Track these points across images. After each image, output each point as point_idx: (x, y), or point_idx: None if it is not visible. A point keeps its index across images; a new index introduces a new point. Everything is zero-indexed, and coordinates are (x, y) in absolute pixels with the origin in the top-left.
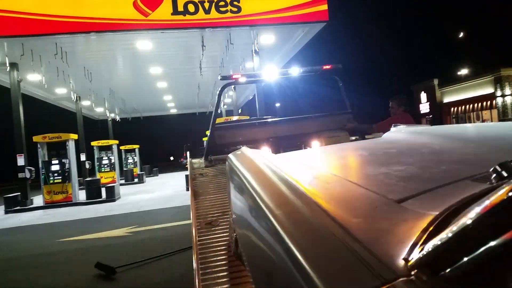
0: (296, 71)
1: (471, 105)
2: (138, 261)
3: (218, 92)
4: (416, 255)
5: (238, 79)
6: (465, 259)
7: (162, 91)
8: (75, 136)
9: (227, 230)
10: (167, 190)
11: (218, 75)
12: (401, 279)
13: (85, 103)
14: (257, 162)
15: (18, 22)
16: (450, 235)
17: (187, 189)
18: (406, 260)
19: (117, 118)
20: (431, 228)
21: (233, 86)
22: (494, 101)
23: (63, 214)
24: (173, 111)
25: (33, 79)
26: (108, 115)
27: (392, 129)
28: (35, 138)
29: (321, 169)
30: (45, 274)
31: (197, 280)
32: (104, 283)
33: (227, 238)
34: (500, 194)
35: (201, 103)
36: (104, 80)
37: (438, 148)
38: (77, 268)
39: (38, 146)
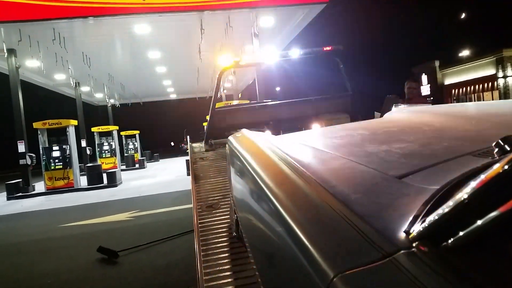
0: (296, 53)
1: (472, 87)
2: (140, 244)
3: (217, 75)
4: (417, 227)
5: (238, 62)
6: (466, 230)
7: (162, 76)
8: (75, 122)
9: (228, 212)
10: (168, 175)
11: (218, 57)
12: (402, 251)
13: (85, 89)
14: (257, 142)
15: (14, 7)
16: (451, 207)
17: (188, 174)
18: (407, 232)
19: (117, 104)
20: (432, 201)
21: (232, 70)
22: (495, 83)
23: (65, 200)
24: (173, 96)
25: (31, 65)
26: (107, 101)
27: (394, 109)
28: (35, 125)
29: (320, 149)
30: (48, 259)
31: (198, 262)
32: (107, 267)
33: (228, 220)
34: (500, 165)
35: (201, 88)
36: (103, 65)
37: (440, 126)
38: (79, 252)
39: (39, 132)
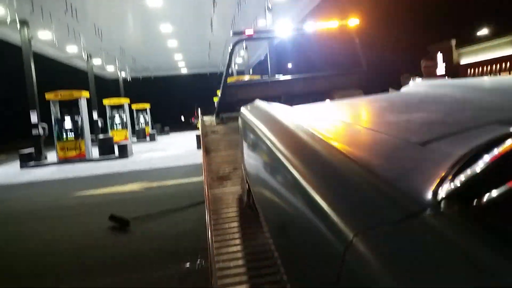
0: (310, 27)
1: (489, 67)
2: (151, 214)
3: (230, 49)
4: (445, 187)
5: (251, 35)
6: (499, 189)
7: (173, 50)
8: (87, 94)
9: (238, 184)
10: (178, 148)
11: (230, 31)
12: (429, 210)
13: (96, 62)
14: (271, 111)
15: None
16: (483, 166)
17: (198, 148)
18: (434, 192)
19: (128, 77)
20: (462, 163)
21: (244, 45)
22: None
23: (77, 170)
24: (184, 71)
25: (44, 37)
26: (119, 74)
27: (411, 83)
28: (48, 96)
29: (338, 119)
30: (62, 225)
31: (209, 231)
32: (118, 234)
33: (239, 192)
34: None
35: (212, 63)
36: (114, 38)
37: (461, 97)
38: (92, 220)
39: (51, 103)
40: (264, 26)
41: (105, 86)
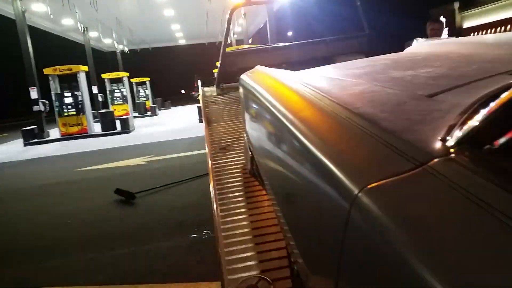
0: None
1: (492, 30)
2: (156, 187)
3: (228, 15)
4: (454, 135)
5: (249, 0)
6: (509, 132)
7: (170, 20)
8: (85, 68)
9: (241, 154)
10: (180, 122)
11: None
12: (438, 158)
13: (93, 34)
14: (271, 74)
15: None
16: (491, 111)
17: (200, 121)
18: (443, 140)
19: (126, 49)
20: (472, 110)
21: (243, 12)
22: None
23: (79, 146)
24: (182, 41)
25: (38, 10)
26: (116, 47)
27: (414, 43)
28: (46, 71)
29: (343, 78)
30: (67, 201)
31: (214, 202)
32: (124, 207)
33: (242, 161)
34: None
35: (210, 33)
36: (110, 9)
37: (467, 52)
38: (97, 194)
39: (50, 79)
40: None
41: (103, 60)
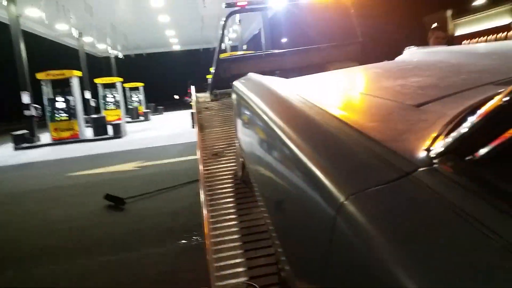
0: None
1: (484, 37)
2: (146, 192)
3: (223, 22)
4: (438, 145)
5: (243, 6)
6: (493, 143)
7: (165, 26)
8: (78, 73)
9: (233, 160)
10: (172, 128)
11: (223, 4)
12: (422, 168)
13: (87, 39)
14: (263, 82)
15: None
16: (477, 120)
17: (193, 127)
18: (428, 150)
19: (120, 55)
20: (455, 121)
21: (238, 19)
22: (509, 33)
23: (71, 151)
24: (177, 47)
25: (32, 15)
26: (110, 52)
27: (406, 51)
28: (39, 76)
29: (333, 87)
30: (57, 206)
31: (205, 208)
32: (114, 213)
33: (233, 167)
34: None
35: (205, 38)
36: (105, 14)
37: (456, 62)
38: (87, 200)
39: (42, 83)
40: None
41: (97, 65)
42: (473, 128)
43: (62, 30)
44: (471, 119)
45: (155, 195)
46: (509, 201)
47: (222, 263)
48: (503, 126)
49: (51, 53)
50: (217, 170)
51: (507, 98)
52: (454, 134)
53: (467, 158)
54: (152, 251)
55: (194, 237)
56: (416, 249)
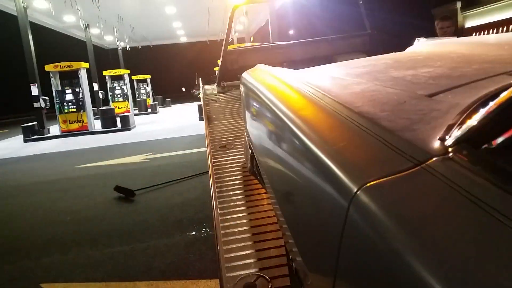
0: None
1: (494, 30)
2: (156, 184)
3: (230, 13)
4: (453, 134)
5: None
6: (508, 132)
7: (171, 17)
8: (86, 65)
9: (241, 152)
10: (180, 120)
11: None
12: (436, 157)
13: (94, 31)
14: (273, 72)
15: None
16: (489, 111)
17: (200, 119)
18: (442, 139)
19: (127, 46)
20: (471, 109)
21: (245, 10)
22: None
23: (80, 142)
24: (183, 39)
25: (40, 6)
26: (117, 44)
27: (416, 43)
28: (47, 67)
29: (343, 77)
30: (67, 197)
31: (214, 200)
32: (124, 204)
33: (242, 159)
34: None
35: (212, 30)
36: (112, 6)
37: (469, 52)
38: (97, 191)
39: (51, 75)
40: None
41: (105, 57)
42: (487, 117)
43: (69, 21)
44: (485, 109)
45: (164, 187)
46: None
47: (232, 255)
48: None
49: (59, 45)
50: (226, 162)
51: None
52: (468, 123)
53: (482, 147)
54: (161, 242)
55: (203, 229)
56: (431, 239)
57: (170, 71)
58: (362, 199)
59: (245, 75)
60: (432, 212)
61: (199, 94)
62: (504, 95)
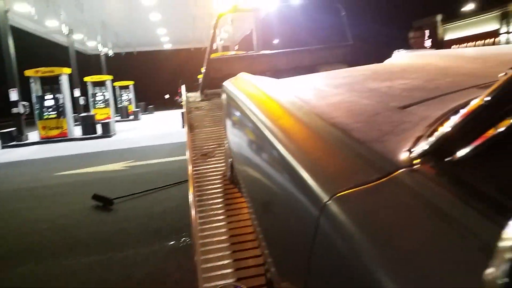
0: None
1: (473, 43)
2: (135, 193)
3: (214, 22)
4: (420, 146)
5: (236, 7)
6: (472, 143)
7: (156, 24)
8: (68, 71)
9: (222, 160)
10: (163, 127)
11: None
12: (403, 169)
13: (77, 36)
14: (253, 82)
15: None
16: (456, 122)
17: (183, 127)
18: (409, 151)
19: (110, 52)
20: (437, 123)
21: (230, 19)
22: (497, 39)
23: (59, 149)
24: (168, 46)
25: (21, 10)
26: (101, 50)
27: (395, 54)
28: (27, 73)
29: (322, 88)
30: (44, 205)
31: (193, 208)
32: (101, 213)
33: (223, 168)
34: (502, 80)
35: (197, 38)
36: (95, 11)
37: (443, 65)
38: (75, 199)
39: (31, 80)
40: None
41: (87, 63)
42: (453, 129)
43: (52, 26)
44: (451, 121)
45: (144, 195)
46: (485, 201)
47: (209, 265)
48: (481, 128)
49: (40, 50)
50: (207, 171)
51: (485, 100)
52: (434, 135)
53: (447, 159)
54: (140, 252)
55: (182, 238)
56: (396, 249)
57: (154, 78)
58: (332, 209)
59: (227, 83)
60: (397, 223)
61: (181, 102)
62: (466, 110)
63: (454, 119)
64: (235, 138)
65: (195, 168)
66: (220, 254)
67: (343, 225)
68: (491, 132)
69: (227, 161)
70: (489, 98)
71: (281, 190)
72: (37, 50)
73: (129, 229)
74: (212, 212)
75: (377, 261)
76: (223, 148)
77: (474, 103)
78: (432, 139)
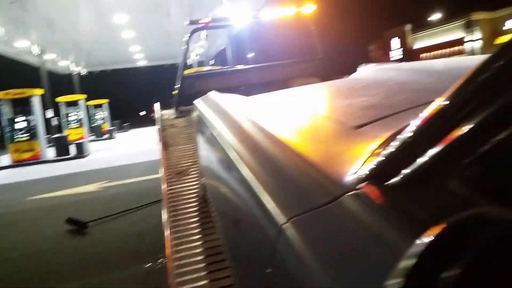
0: (267, 14)
1: (440, 51)
2: (110, 215)
3: (186, 38)
4: (364, 169)
5: (207, 23)
6: (408, 168)
7: (130, 41)
8: (40, 91)
9: (197, 178)
10: (138, 145)
11: (188, 20)
12: (348, 193)
13: (49, 56)
14: (221, 103)
15: None
16: (394, 147)
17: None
18: (356, 175)
19: (84, 71)
20: (380, 146)
21: (204, 35)
22: (463, 47)
23: (32, 172)
24: (143, 62)
25: None
26: (73, 69)
27: (360, 68)
28: None
29: (284, 107)
30: (15, 232)
31: (167, 229)
32: (75, 237)
33: (197, 186)
34: (436, 104)
35: (172, 54)
36: (67, 30)
37: (403, 80)
38: (48, 224)
39: (1, 103)
40: (222, 14)
41: (60, 82)
42: (393, 152)
43: (22, 47)
44: (393, 143)
45: (119, 217)
46: (418, 226)
47: (185, 287)
48: (419, 151)
49: (11, 72)
50: (181, 190)
51: (422, 122)
52: (377, 159)
53: (387, 183)
54: (115, 276)
55: (159, 260)
56: (336, 274)
57: (129, 95)
58: (287, 232)
59: (197, 102)
60: (339, 248)
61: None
62: (406, 132)
63: (395, 142)
64: (204, 158)
65: (169, 187)
66: (195, 275)
67: (296, 248)
68: (427, 155)
69: (200, 179)
70: (424, 121)
71: (243, 212)
72: (7, 71)
73: (104, 253)
74: (186, 233)
75: (324, 285)
76: (198, 166)
77: (411, 125)
78: (374, 162)
